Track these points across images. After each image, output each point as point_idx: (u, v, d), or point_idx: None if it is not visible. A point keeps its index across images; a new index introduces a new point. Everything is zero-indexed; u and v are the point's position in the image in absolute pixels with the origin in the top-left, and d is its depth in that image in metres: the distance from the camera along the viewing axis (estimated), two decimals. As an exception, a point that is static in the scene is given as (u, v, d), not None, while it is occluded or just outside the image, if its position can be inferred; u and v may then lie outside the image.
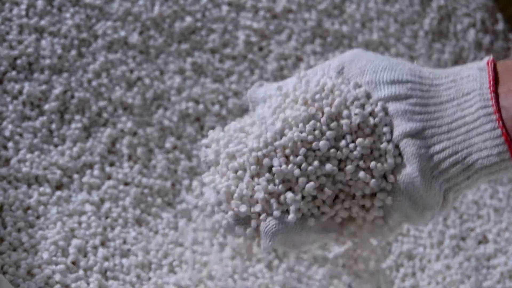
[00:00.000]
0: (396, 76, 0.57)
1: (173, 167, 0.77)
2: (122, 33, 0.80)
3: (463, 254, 0.82)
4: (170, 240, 0.73)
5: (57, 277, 0.65)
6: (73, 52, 0.77)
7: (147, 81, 0.79)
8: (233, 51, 0.84)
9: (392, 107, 0.56)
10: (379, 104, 0.56)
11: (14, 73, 0.74)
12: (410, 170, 0.55)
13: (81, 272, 0.67)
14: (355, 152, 0.56)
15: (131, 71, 0.79)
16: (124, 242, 0.71)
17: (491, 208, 0.86)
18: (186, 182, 0.77)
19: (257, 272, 0.73)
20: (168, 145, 0.78)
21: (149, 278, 0.69)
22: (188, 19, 0.83)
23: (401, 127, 0.56)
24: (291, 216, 0.56)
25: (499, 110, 0.54)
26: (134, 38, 0.80)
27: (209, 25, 0.84)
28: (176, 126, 0.79)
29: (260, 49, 0.86)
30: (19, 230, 0.68)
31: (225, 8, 0.85)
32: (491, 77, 0.55)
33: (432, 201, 0.56)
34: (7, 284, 0.61)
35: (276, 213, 0.56)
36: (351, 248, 0.75)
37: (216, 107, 0.81)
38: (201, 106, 0.80)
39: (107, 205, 0.72)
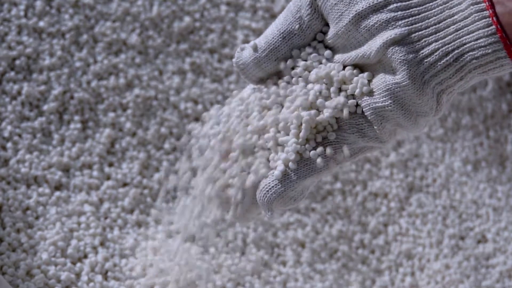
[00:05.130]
0: None
1: (173, 168, 0.77)
2: (121, 34, 0.80)
3: (462, 254, 0.82)
4: (169, 241, 0.73)
5: (57, 277, 0.65)
6: (72, 53, 0.77)
7: (146, 81, 0.79)
8: (232, 51, 0.84)
9: (373, 20, 0.54)
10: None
11: (12, 73, 0.74)
12: (399, 78, 0.53)
13: (81, 272, 0.67)
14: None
15: (130, 72, 0.79)
16: (124, 242, 0.71)
17: (490, 208, 0.86)
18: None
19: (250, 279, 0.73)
20: (167, 145, 0.78)
21: (151, 278, 0.69)
22: (187, 19, 0.83)
23: (384, 35, 0.53)
24: (279, 169, 0.55)
25: (492, 6, 0.51)
26: (133, 38, 0.80)
27: (208, 25, 0.84)
28: (175, 126, 0.79)
29: (259, 49, 0.86)
30: (18, 231, 0.68)
31: (223, 8, 0.85)
32: None
33: (425, 107, 0.54)
34: (6, 284, 0.61)
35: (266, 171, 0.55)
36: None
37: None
38: (200, 106, 0.80)
39: (106, 205, 0.73)
